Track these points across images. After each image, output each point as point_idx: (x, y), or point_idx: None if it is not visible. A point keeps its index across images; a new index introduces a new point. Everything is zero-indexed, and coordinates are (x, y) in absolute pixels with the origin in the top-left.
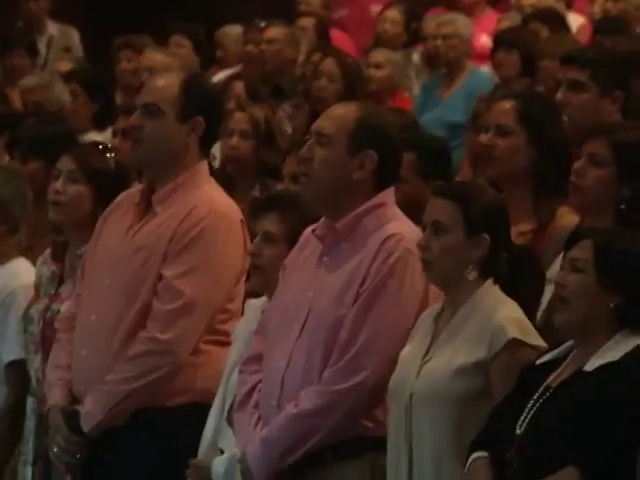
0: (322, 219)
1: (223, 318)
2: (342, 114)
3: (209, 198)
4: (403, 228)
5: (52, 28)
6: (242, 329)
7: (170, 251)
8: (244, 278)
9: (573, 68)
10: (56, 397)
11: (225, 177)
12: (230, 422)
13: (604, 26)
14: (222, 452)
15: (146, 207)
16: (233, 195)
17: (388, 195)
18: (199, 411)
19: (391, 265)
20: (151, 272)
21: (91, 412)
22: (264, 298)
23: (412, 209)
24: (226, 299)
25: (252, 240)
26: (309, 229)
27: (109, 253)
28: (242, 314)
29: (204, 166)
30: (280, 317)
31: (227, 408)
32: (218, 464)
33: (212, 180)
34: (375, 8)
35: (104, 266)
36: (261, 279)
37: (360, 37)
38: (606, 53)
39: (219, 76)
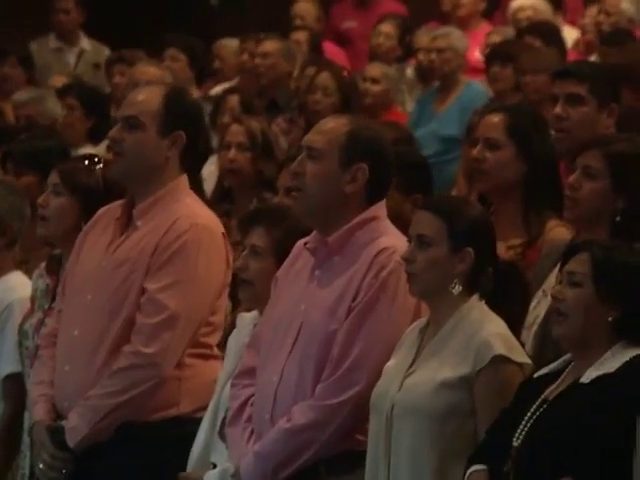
0: (313, 232)
1: (206, 331)
2: (332, 128)
3: (190, 211)
4: (395, 242)
5: (85, 42)
6: (234, 342)
7: (153, 264)
8: (226, 291)
9: (571, 82)
10: (39, 413)
11: (223, 191)
12: (222, 436)
13: (610, 38)
14: (214, 466)
15: (127, 222)
16: (231, 209)
17: (380, 208)
18: (183, 425)
19: (383, 279)
20: (134, 286)
21: (76, 427)
22: (255, 312)
23: (394, 224)
24: (209, 312)
25: (234, 253)
26: (301, 242)
27: (90, 268)
28: (225, 327)
29: (184, 180)
30: (272, 331)
31: (219, 422)
32: (210, 478)
33: (192, 194)
34: (347, 24)
35: (86, 282)
36: (249, 293)
37: (365, 50)
38: (602, 66)
39: (216, 89)
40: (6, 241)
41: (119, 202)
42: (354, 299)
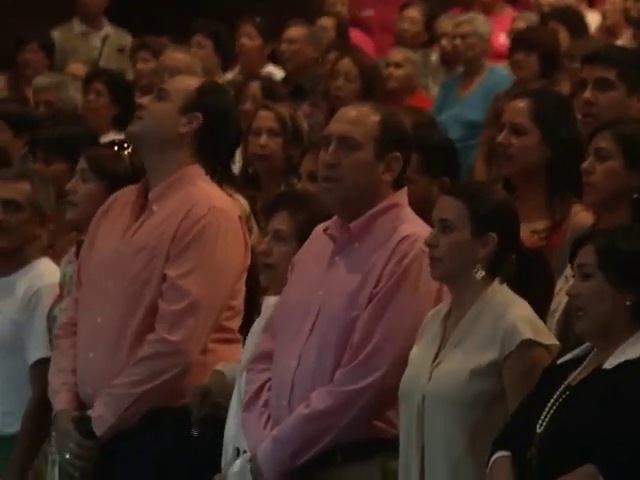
0: (334, 218)
1: (228, 315)
2: (362, 117)
3: (206, 195)
4: (417, 229)
5: (108, 28)
6: (258, 326)
7: (172, 250)
8: (245, 275)
9: (600, 67)
10: (62, 402)
11: (248, 178)
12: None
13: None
14: (238, 450)
15: (142, 205)
16: (258, 195)
17: (401, 196)
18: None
19: (405, 266)
20: (154, 272)
21: (103, 416)
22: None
23: (420, 209)
24: (230, 296)
25: (251, 236)
26: (320, 227)
27: (108, 254)
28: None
29: (199, 167)
30: (289, 315)
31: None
32: (234, 469)
33: (206, 178)
34: (366, 12)
35: (105, 268)
36: (272, 277)
37: (383, 38)
38: (631, 51)
39: (230, 75)
40: (43, 230)
41: (131, 187)
42: (376, 286)
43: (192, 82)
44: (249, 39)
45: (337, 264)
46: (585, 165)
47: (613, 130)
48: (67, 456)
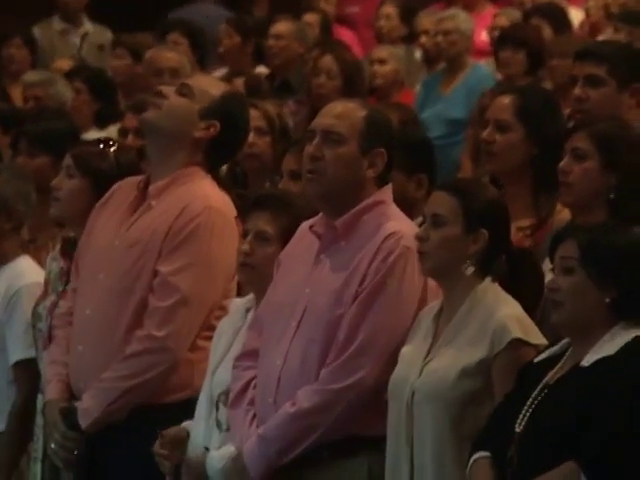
0: (319, 215)
1: (219, 314)
2: (348, 112)
3: (204, 194)
4: (402, 226)
5: (88, 25)
6: (226, 327)
7: (165, 247)
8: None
9: (590, 63)
10: (52, 393)
11: (235, 175)
12: (218, 423)
13: (624, 16)
14: (207, 450)
15: (141, 200)
16: (244, 193)
17: (386, 192)
18: (196, 406)
19: (391, 263)
20: (146, 267)
21: (88, 409)
22: (249, 296)
23: (398, 205)
24: (222, 295)
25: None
26: (305, 224)
27: (103, 247)
28: None
29: (201, 169)
30: (275, 313)
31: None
32: (214, 460)
33: (208, 177)
34: (351, 9)
35: (98, 260)
36: (250, 277)
37: (368, 35)
38: (622, 46)
39: (218, 73)
40: (12, 225)
41: (133, 179)
42: (361, 284)
43: (217, 88)
44: (228, 38)
45: (323, 262)
46: (562, 165)
47: (589, 130)
48: (52, 446)
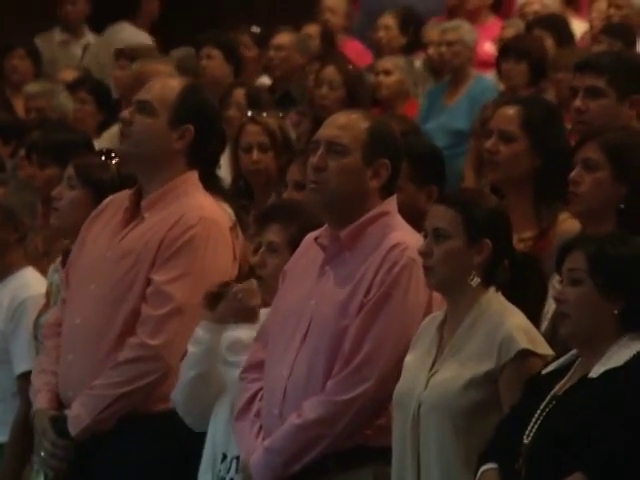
0: (324, 227)
1: None
2: (351, 123)
3: (198, 205)
4: (407, 237)
5: (89, 36)
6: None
7: (159, 257)
8: None
9: (590, 74)
10: (41, 402)
11: (240, 189)
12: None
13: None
14: (224, 456)
15: (134, 212)
16: (250, 206)
17: (391, 203)
18: None
19: (396, 275)
20: (138, 277)
21: (78, 416)
22: None
23: (407, 217)
24: None
25: (249, 246)
26: (310, 236)
27: (95, 258)
28: None
29: (194, 175)
30: (281, 325)
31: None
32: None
33: (202, 189)
34: None
35: (90, 271)
36: (264, 289)
37: None
38: (622, 58)
39: None
40: (17, 236)
41: (126, 192)
42: (366, 295)
43: (173, 88)
44: (247, 50)
45: (328, 273)
46: (573, 175)
47: (600, 140)
48: (42, 454)
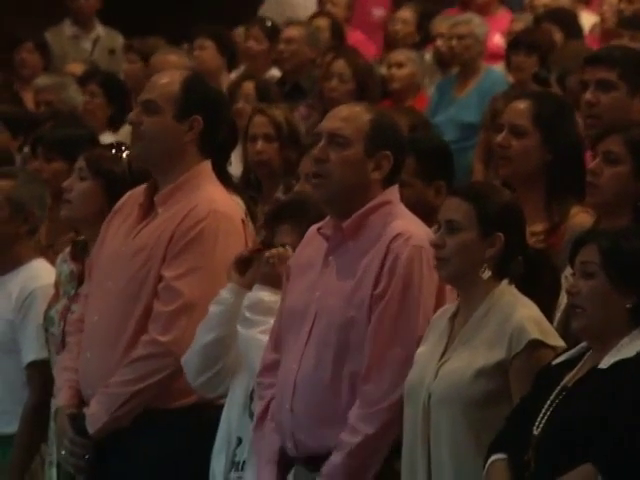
0: (327, 218)
1: None
2: (353, 115)
3: (209, 198)
4: (409, 225)
5: (100, 29)
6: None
7: (169, 252)
8: None
9: (601, 68)
10: (63, 399)
11: (251, 182)
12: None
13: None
14: (240, 440)
15: (149, 208)
16: (259, 198)
17: (393, 193)
18: (202, 412)
19: (405, 276)
20: (151, 273)
21: (95, 414)
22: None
23: (416, 212)
24: None
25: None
26: (313, 228)
27: (111, 254)
28: None
29: (207, 167)
30: (289, 320)
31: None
32: None
33: (215, 181)
34: (377, 12)
35: (107, 268)
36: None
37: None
38: (633, 51)
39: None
40: (27, 228)
41: (142, 188)
42: (375, 287)
43: (173, 83)
44: (256, 42)
45: (331, 264)
46: (592, 166)
47: (625, 134)
48: (62, 452)
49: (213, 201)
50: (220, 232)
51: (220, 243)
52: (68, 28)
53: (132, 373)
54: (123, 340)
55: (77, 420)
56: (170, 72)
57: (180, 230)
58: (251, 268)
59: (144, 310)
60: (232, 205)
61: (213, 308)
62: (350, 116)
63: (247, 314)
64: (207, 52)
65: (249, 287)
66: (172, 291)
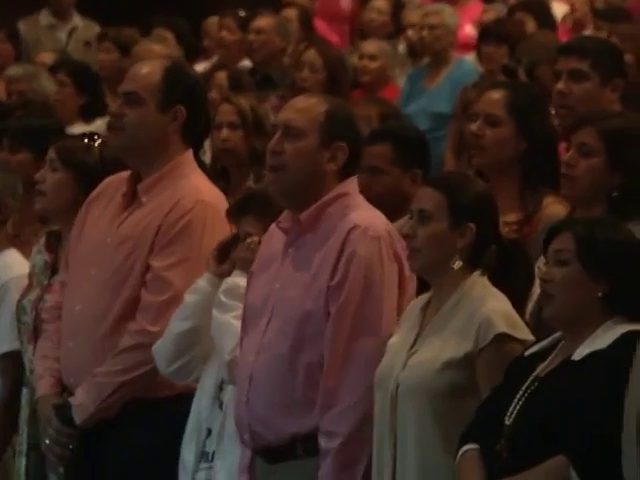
0: (285, 212)
1: None
2: (309, 106)
3: (195, 188)
4: (367, 217)
5: (77, 20)
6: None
7: (158, 242)
8: None
9: (573, 58)
10: (44, 388)
11: (218, 171)
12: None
13: (605, 13)
14: (209, 431)
15: (131, 197)
16: (228, 188)
17: (351, 184)
18: (190, 401)
19: (364, 266)
20: (137, 263)
21: (83, 404)
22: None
23: (394, 200)
24: None
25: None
26: (273, 226)
27: (94, 243)
28: None
29: (189, 156)
30: (249, 312)
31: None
32: None
33: (198, 170)
34: (344, 1)
35: (89, 256)
36: None
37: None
38: (605, 42)
39: (201, 66)
40: (0, 218)
41: (124, 174)
42: (332, 278)
43: (154, 73)
44: (229, 32)
45: (290, 257)
46: (566, 158)
47: (598, 126)
48: (47, 442)
49: (199, 191)
50: (207, 222)
51: (207, 233)
52: (44, 18)
53: (121, 364)
54: (104, 328)
55: (63, 410)
56: (150, 62)
57: (168, 221)
58: (229, 258)
59: (128, 300)
60: (217, 195)
61: (189, 297)
62: (305, 107)
63: (223, 298)
64: (166, 43)
65: (226, 276)
66: (162, 281)
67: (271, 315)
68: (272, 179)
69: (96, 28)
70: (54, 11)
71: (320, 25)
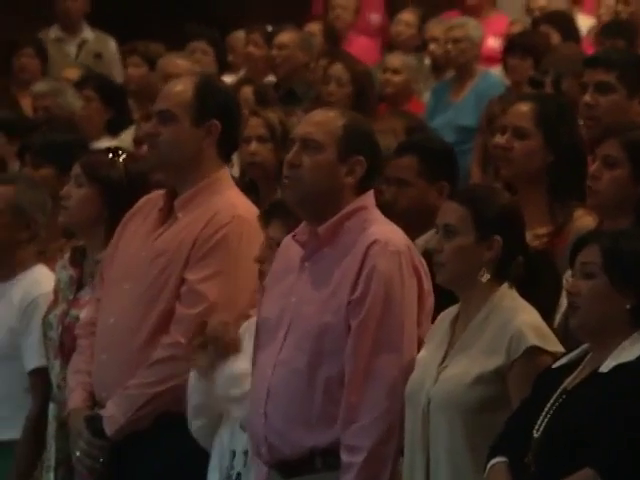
0: (302, 224)
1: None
2: (327, 120)
3: (231, 203)
4: (386, 231)
5: (88, 33)
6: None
7: (193, 256)
8: None
9: (600, 70)
10: (76, 401)
11: (246, 184)
12: (243, 427)
13: (610, 29)
14: (234, 453)
15: (168, 212)
16: (256, 201)
17: (368, 198)
18: None
19: (385, 281)
20: (172, 277)
21: (113, 416)
22: None
23: (420, 213)
24: (249, 304)
25: None
26: (288, 237)
27: (130, 258)
28: None
29: (225, 172)
30: (264, 326)
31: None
32: None
33: (234, 186)
34: (374, 17)
35: (124, 271)
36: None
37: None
38: (632, 54)
39: (227, 81)
40: (29, 235)
41: (161, 192)
42: (352, 293)
43: (186, 90)
44: (256, 48)
45: (307, 270)
46: (592, 170)
47: (621, 137)
48: (77, 454)
49: (235, 207)
50: (243, 237)
51: (243, 248)
52: (53, 31)
53: (152, 376)
54: (140, 342)
55: (94, 422)
56: (182, 79)
57: (204, 235)
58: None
59: (163, 313)
60: (252, 210)
61: (192, 401)
62: (323, 121)
63: (230, 393)
64: (207, 58)
65: (211, 367)
66: (196, 294)
67: (288, 329)
68: (286, 188)
69: (109, 40)
70: (62, 25)
71: (361, 40)
